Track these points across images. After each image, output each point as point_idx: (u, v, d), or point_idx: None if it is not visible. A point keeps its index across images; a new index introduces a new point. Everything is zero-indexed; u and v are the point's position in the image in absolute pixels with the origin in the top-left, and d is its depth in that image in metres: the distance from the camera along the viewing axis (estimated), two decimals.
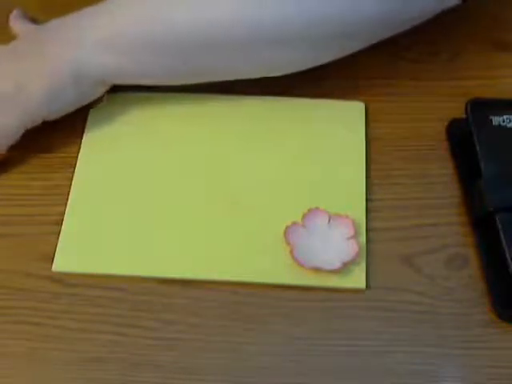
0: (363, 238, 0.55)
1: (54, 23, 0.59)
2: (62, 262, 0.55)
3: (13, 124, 0.56)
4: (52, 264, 0.55)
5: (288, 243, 0.54)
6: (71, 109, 0.58)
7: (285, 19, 0.53)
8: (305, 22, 0.53)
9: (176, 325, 0.52)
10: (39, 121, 0.57)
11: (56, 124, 0.58)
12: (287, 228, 0.55)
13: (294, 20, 0.53)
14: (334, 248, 0.54)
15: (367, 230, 0.56)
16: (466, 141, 0.57)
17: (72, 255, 0.55)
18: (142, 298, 0.54)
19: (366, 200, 0.57)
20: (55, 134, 0.60)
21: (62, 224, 0.56)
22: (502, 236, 0.52)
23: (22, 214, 0.57)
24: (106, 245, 0.55)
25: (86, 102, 0.58)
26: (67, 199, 0.58)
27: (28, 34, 0.61)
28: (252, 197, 0.57)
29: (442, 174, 0.59)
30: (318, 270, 0.53)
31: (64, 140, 0.61)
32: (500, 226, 0.52)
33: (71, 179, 0.58)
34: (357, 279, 0.53)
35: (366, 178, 0.58)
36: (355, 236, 0.54)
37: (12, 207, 0.58)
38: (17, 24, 0.64)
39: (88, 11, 0.57)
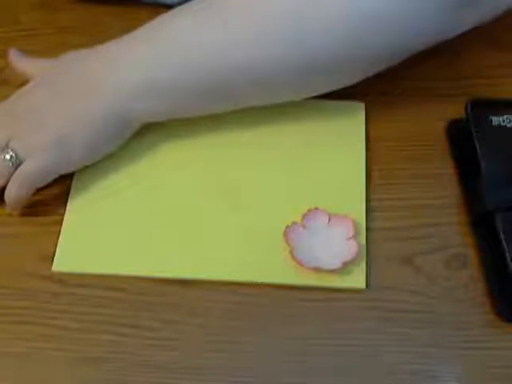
0: (363, 238, 0.55)
1: (77, 64, 0.58)
2: (62, 262, 0.55)
3: (51, 170, 0.56)
4: (52, 264, 0.55)
5: (288, 243, 0.54)
6: (110, 151, 0.58)
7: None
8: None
9: (176, 325, 0.52)
10: (78, 167, 0.57)
11: None
12: (287, 228, 0.55)
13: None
14: (334, 248, 0.54)
15: (367, 230, 0.56)
16: (465, 141, 0.57)
17: (72, 255, 0.55)
18: (141, 298, 0.54)
19: (366, 200, 0.57)
20: None
21: (62, 224, 0.56)
22: (501, 236, 0.52)
23: (21, 213, 0.57)
24: (105, 245, 0.55)
25: (122, 142, 0.58)
26: (67, 199, 0.58)
27: (47, 78, 0.58)
28: (252, 197, 0.57)
29: (442, 173, 0.59)
30: (318, 270, 0.53)
31: None
32: (500, 226, 0.52)
33: (71, 179, 0.58)
34: (357, 279, 0.53)
35: (366, 178, 0.58)
36: (355, 236, 0.54)
37: None
38: (22, 63, 0.61)
39: (115, 51, 0.56)
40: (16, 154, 0.54)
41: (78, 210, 0.57)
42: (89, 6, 0.69)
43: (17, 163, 0.55)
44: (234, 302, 0.53)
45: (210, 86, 0.55)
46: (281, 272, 0.54)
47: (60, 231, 0.56)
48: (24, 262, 0.55)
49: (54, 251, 0.55)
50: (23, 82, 0.60)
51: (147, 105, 0.56)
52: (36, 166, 0.55)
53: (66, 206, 0.57)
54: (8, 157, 0.54)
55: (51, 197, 0.58)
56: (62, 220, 0.56)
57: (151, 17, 0.69)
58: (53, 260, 0.55)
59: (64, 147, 0.55)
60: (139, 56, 0.55)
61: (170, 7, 0.57)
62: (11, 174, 0.55)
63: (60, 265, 0.55)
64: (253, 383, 0.50)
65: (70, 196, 0.58)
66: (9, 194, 0.55)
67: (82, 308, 0.53)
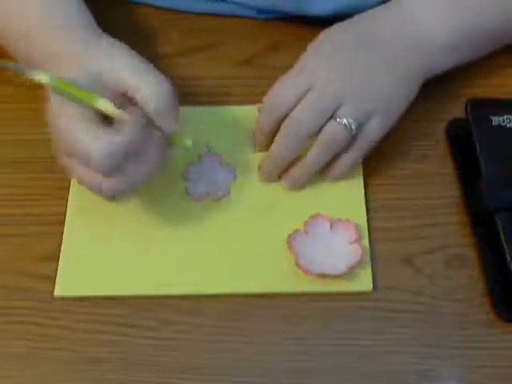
0: (366, 241, 0.55)
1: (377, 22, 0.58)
2: (64, 287, 0.54)
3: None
4: (52, 264, 0.54)
5: (292, 251, 0.54)
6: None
7: None
8: None
9: (176, 325, 0.52)
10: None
11: None
12: (290, 236, 0.54)
13: None
14: (338, 253, 0.54)
15: (368, 231, 0.55)
16: (465, 141, 0.57)
17: (73, 279, 0.54)
18: (142, 298, 0.54)
19: (366, 201, 0.57)
20: None
21: (62, 224, 0.56)
22: (501, 236, 0.52)
23: (22, 213, 0.57)
24: (105, 266, 0.54)
25: None
26: (67, 199, 0.58)
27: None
28: (252, 208, 0.57)
29: (442, 173, 0.59)
30: (323, 275, 0.53)
31: None
32: (500, 226, 0.52)
33: (71, 179, 0.58)
34: (363, 282, 0.53)
35: (366, 178, 0.58)
36: (358, 240, 0.54)
37: (12, 207, 0.58)
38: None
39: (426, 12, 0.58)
40: (352, 120, 0.54)
41: (78, 212, 0.57)
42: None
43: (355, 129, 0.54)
44: (234, 301, 0.53)
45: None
46: (287, 281, 0.53)
47: (59, 231, 0.56)
48: (24, 262, 0.55)
49: (54, 251, 0.55)
50: (23, 81, 0.60)
51: (454, 58, 0.59)
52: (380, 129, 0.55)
53: (66, 206, 0.57)
54: (345, 122, 0.54)
55: (51, 197, 0.58)
56: (62, 220, 0.56)
57: (149, 17, 0.69)
58: (53, 260, 0.55)
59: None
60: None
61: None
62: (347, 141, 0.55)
63: (62, 290, 0.54)
64: (253, 383, 0.50)
65: (70, 195, 0.58)
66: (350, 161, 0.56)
67: (82, 308, 0.53)
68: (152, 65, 0.52)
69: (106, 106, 0.50)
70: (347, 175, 0.58)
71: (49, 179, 0.59)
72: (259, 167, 0.58)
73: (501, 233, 0.52)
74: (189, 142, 0.53)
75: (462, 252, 0.55)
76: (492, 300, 0.52)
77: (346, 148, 0.55)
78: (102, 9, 0.69)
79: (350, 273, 0.53)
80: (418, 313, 0.52)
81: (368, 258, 0.54)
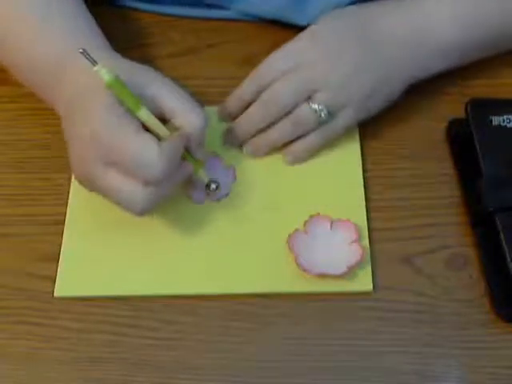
0: (366, 241, 0.55)
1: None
2: (64, 287, 0.54)
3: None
4: (52, 264, 0.54)
5: (292, 251, 0.54)
6: None
7: None
8: None
9: (176, 325, 0.52)
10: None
11: (55, 124, 0.58)
12: (290, 236, 0.54)
13: None
14: (338, 253, 0.54)
15: (368, 231, 0.55)
16: (466, 141, 0.57)
17: (73, 279, 0.54)
18: (141, 298, 0.54)
19: (366, 201, 0.57)
20: (55, 135, 0.60)
21: (62, 224, 0.56)
22: (501, 236, 0.52)
23: (22, 213, 0.58)
24: (105, 266, 0.54)
25: None
26: (67, 199, 0.58)
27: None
28: (252, 208, 0.57)
29: (442, 173, 0.59)
30: (323, 275, 0.53)
31: (64, 141, 0.61)
32: (500, 226, 0.52)
33: (71, 179, 0.58)
34: (363, 282, 0.53)
35: (366, 178, 0.58)
36: (358, 240, 0.54)
37: (12, 207, 0.58)
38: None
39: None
40: (325, 108, 0.55)
41: (78, 212, 0.57)
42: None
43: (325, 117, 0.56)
44: (233, 301, 0.53)
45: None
46: (287, 281, 0.53)
47: (59, 231, 0.56)
48: (24, 262, 0.55)
49: (54, 251, 0.55)
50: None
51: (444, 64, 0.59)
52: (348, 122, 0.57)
53: (66, 206, 0.57)
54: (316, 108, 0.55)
55: (51, 197, 0.58)
56: (62, 220, 0.56)
57: (150, 17, 0.69)
58: (53, 260, 0.55)
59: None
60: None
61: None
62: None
63: (62, 290, 0.54)
64: (253, 383, 0.50)
65: (70, 195, 0.58)
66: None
67: (82, 308, 0.53)
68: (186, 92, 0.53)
69: (150, 116, 0.50)
70: (346, 174, 0.58)
71: (48, 179, 0.59)
72: (224, 133, 0.59)
73: (501, 233, 0.52)
74: (206, 178, 0.55)
75: (462, 252, 0.55)
76: (492, 300, 0.52)
77: (311, 131, 0.57)
78: (102, 9, 0.69)
79: (350, 273, 0.53)
80: (418, 313, 0.52)
81: (368, 258, 0.54)
